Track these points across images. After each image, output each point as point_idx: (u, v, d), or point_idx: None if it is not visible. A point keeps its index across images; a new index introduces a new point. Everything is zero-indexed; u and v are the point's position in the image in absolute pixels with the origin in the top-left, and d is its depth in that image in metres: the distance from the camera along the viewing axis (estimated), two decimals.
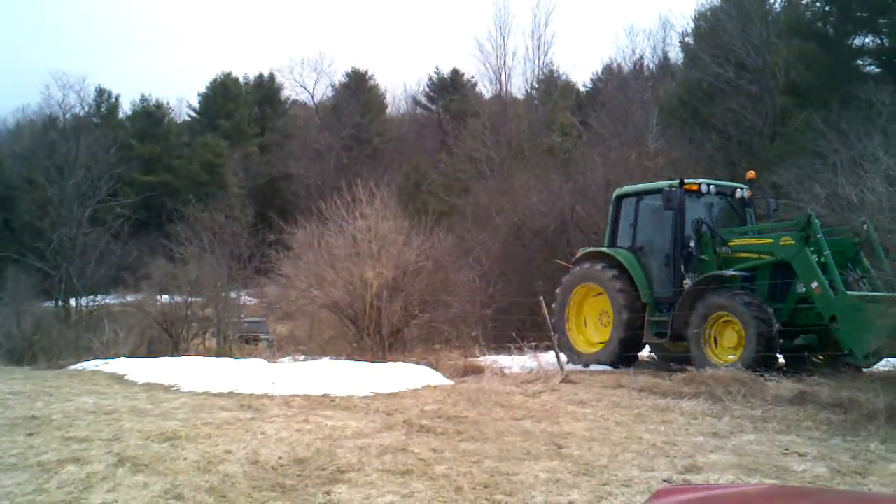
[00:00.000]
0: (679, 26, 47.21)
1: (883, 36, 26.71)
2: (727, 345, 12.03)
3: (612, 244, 14.55)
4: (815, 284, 11.31)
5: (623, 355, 13.61)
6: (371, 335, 14.10)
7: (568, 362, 14.06)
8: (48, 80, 64.34)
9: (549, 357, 13.26)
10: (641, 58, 44.18)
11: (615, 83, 43.19)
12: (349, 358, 13.13)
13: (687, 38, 42.23)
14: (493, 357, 14.36)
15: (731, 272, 12.33)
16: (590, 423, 8.44)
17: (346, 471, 6.47)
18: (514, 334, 14.68)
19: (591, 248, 15.18)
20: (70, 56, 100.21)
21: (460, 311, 16.75)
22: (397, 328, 14.64)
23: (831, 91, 25.00)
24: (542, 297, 13.68)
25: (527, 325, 16.51)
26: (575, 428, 8.16)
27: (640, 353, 14.36)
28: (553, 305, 14.69)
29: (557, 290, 15.01)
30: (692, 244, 13.03)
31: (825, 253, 11.43)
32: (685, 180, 13.41)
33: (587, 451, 7.11)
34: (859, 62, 27.65)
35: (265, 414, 8.87)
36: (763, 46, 30.75)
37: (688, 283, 12.79)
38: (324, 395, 10.03)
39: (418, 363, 12.51)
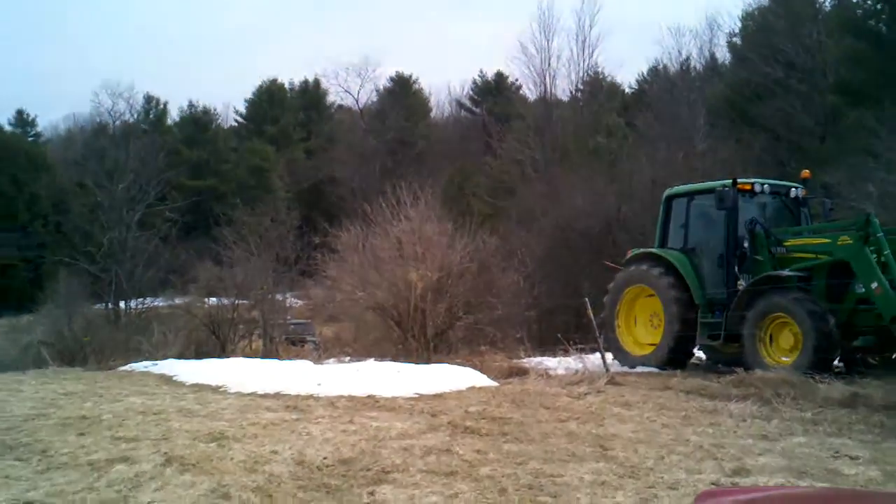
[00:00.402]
0: (726, 26, 46.54)
1: None
2: (783, 346, 11.81)
3: (663, 245, 14.35)
4: (874, 285, 11.05)
5: (674, 357, 13.41)
6: (416, 337, 14.12)
7: (617, 363, 13.98)
8: (98, 88, 65.33)
9: (594, 359, 13.15)
10: (688, 58, 43.73)
11: (661, 84, 42.83)
12: (394, 359, 13.13)
13: (734, 39, 41.78)
14: (538, 359, 14.31)
15: (787, 272, 12.08)
16: (636, 425, 8.35)
17: (391, 471, 6.47)
18: (559, 336, 14.59)
19: (642, 250, 14.95)
20: (119, 64, 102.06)
21: (505, 312, 16.71)
22: (442, 330, 14.64)
23: (883, 89, 24.57)
24: (587, 299, 13.59)
25: (572, 327, 16.46)
26: (620, 430, 8.08)
27: (692, 355, 14.19)
28: (602, 305, 14.60)
29: (607, 292, 14.85)
30: (746, 244, 12.77)
31: (885, 252, 11.15)
32: (738, 180, 13.14)
33: (633, 453, 7.04)
34: None
35: (311, 415, 8.91)
36: (813, 45, 30.38)
37: (742, 283, 12.57)
38: (368, 397, 10.03)
39: (463, 365, 12.47)
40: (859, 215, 12.28)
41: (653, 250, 14.39)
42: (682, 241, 14.02)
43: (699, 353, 14.55)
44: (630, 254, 15.03)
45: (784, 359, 11.63)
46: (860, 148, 20.70)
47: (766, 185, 13.38)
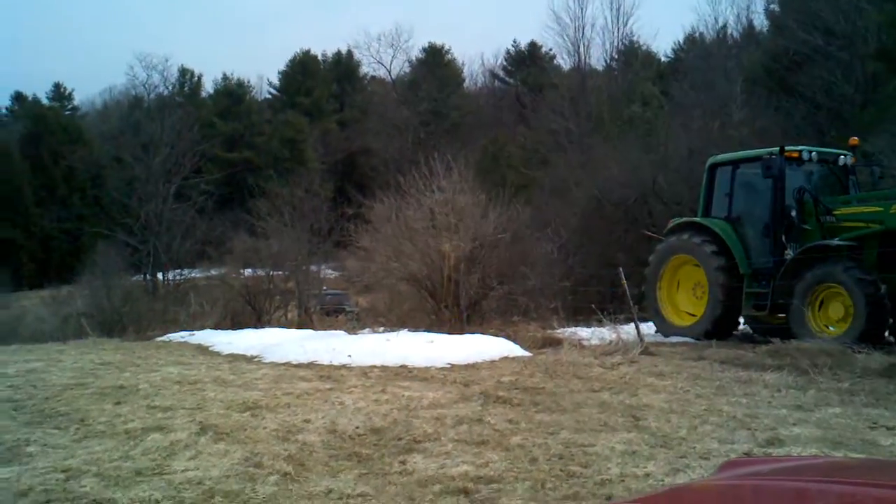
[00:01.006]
0: None
1: None
2: (833, 317, 11.56)
3: (707, 214, 14.08)
4: None
5: (719, 327, 13.22)
6: (449, 307, 14.11)
7: (660, 334, 13.89)
8: (133, 61, 65.59)
9: (629, 329, 13.05)
10: (725, 26, 43.09)
11: (698, 52, 42.24)
12: (427, 330, 13.16)
13: (772, 5, 41.08)
14: (572, 329, 14.23)
15: (837, 241, 11.75)
16: (669, 395, 8.30)
17: (422, 440, 6.50)
18: (593, 306, 14.51)
19: (685, 219, 14.72)
20: (153, 37, 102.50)
21: (538, 283, 16.66)
22: (475, 300, 14.61)
23: None
24: (621, 269, 13.48)
25: (607, 297, 16.35)
26: (653, 400, 8.04)
27: (737, 325, 13.96)
28: (637, 276, 14.48)
29: (647, 262, 14.71)
30: (793, 213, 12.52)
31: None
32: (785, 147, 12.84)
33: (665, 423, 7.00)
34: None
35: (343, 385, 8.96)
36: (853, 11, 29.75)
37: (789, 253, 12.33)
38: (401, 367, 10.08)
39: (496, 335, 12.47)
40: None
41: (696, 219, 14.16)
42: (727, 209, 13.75)
43: (743, 325, 14.24)
44: (672, 223, 14.79)
45: (833, 329, 11.42)
46: None
47: (813, 153, 13.03)
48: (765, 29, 42.19)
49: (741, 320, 13.94)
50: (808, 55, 30.77)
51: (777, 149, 12.78)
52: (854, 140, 13.79)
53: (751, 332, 14.05)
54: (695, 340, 12.96)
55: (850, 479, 2.13)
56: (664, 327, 14.09)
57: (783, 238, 12.58)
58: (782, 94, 30.21)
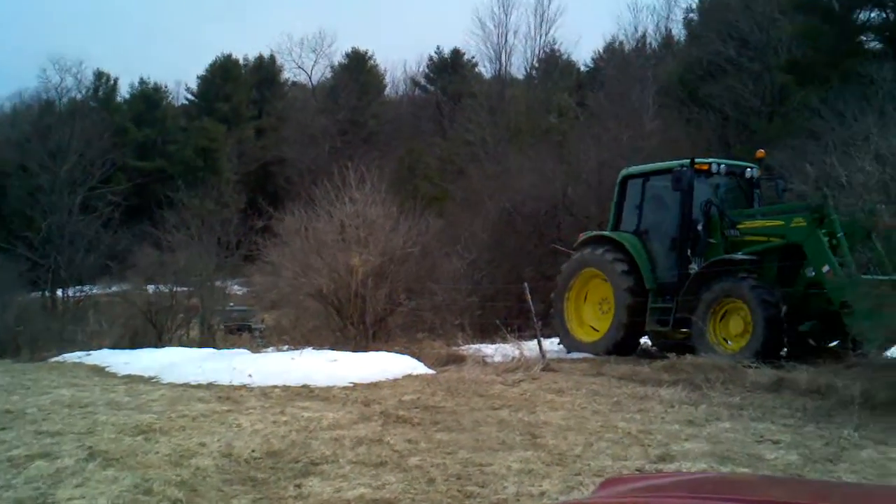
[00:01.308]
0: (684, 2, 46.67)
1: (888, 10, 26.45)
2: (733, 331, 11.66)
3: (616, 227, 13.99)
4: (826, 268, 10.91)
5: (623, 343, 13.15)
6: (355, 324, 14.02)
7: (567, 351, 13.85)
8: (45, 63, 63.69)
9: (532, 345, 13.14)
10: (644, 35, 43.74)
11: (616, 62, 42.82)
12: (332, 347, 13.05)
13: (691, 14, 41.92)
14: (477, 346, 14.20)
15: (739, 256, 11.88)
16: (567, 412, 8.43)
17: (320, 463, 6.49)
18: (498, 322, 14.51)
19: (594, 232, 14.63)
20: (68, 39, 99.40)
21: (446, 298, 16.66)
22: (381, 317, 14.54)
23: (833, 68, 24.84)
24: (526, 284, 13.54)
25: (513, 313, 16.44)
26: (551, 417, 8.16)
27: (640, 342, 13.92)
28: (544, 291, 14.53)
29: (558, 275, 14.58)
30: (700, 227, 12.58)
31: (838, 235, 11.02)
32: (696, 160, 12.88)
33: (562, 441, 7.11)
34: (862, 38, 27.42)
35: (242, 406, 8.86)
36: (767, 22, 30.46)
37: (694, 267, 12.41)
38: (303, 386, 10.00)
39: (401, 352, 12.43)
40: (812, 196, 12.10)
41: (605, 233, 14.08)
42: (636, 223, 13.71)
43: (645, 340, 14.21)
44: (582, 237, 14.66)
45: (732, 343, 11.56)
46: (804, 128, 20.92)
47: (722, 166, 13.12)
48: (683, 39, 43.05)
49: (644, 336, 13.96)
50: (720, 66, 31.47)
51: (688, 161, 12.83)
52: (760, 153, 13.89)
53: (651, 347, 14.10)
54: (596, 356, 12.96)
55: (719, 496, 2.21)
56: (569, 342, 14.04)
57: (689, 252, 12.63)
58: (693, 106, 30.90)
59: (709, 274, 11.95)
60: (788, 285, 11.63)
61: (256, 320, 22.68)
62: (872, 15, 27.47)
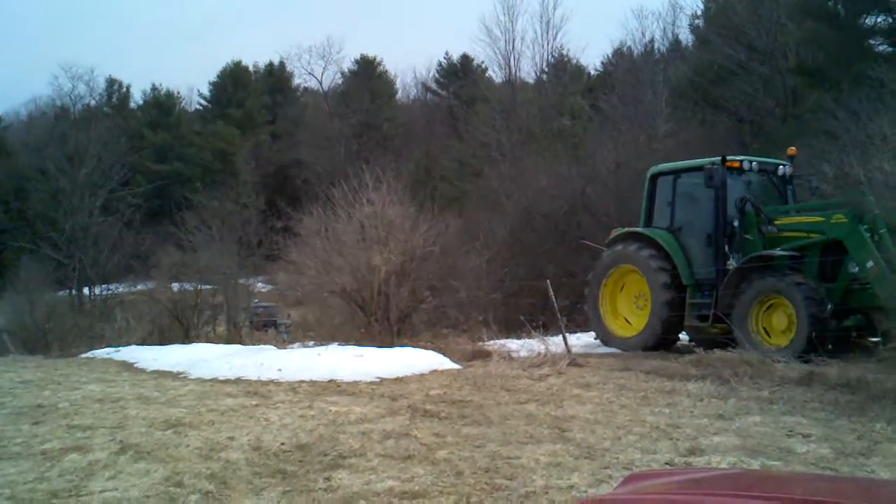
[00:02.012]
0: (689, 8, 46.79)
1: (894, 15, 26.39)
2: (776, 328, 11.53)
3: (648, 224, 13.92)
4: (870, 264, 10.76)
5: (662, 338, 13.10)
6: (379, 321, 14.09)
7: (602, 346, 13.82)
8: (57, 71, 64.05)
9: (557, 341, 13.15)
10: (652, 40, 43.85)
11: (625, 66, 42.88)
12: (357, 343, 13.12)
13: (697, 21, 41.96)
14: (502, 341, 14.24)
15: (779, 252, 11.74)
16: (594, 407, 8.41)
17: (348, 456, 6.49)
18: (522, 318, 14.53)
19: (627, 229, 14.41)
20: (79, 47, 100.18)
21: (468, 295, 16.69)
22: (405, 313, 14.61)
23: (842, 71, 24.75)
24: (549, 281, 13.54)
25: (537, 309, 16.44)
26: (579, 411, 8.14)
27: (678, 337, 13.86)
28: (566, 287, 14.46)
29: (591, 272, 14.50)
30: (736, 223, 12.46)
31: (881, 231, 10.87)
32: (727, 157, 12.76)
33: (590, 435, 7.10)
34: (870, 42, 27.29)
35: (270, 400, 8.90)
36: (774, 27, 30.55)
37: (732, 263, 12.28)
38: (330, 381, 10.05)
39: (426, 348, 12.50)
40: (852, 192, 11.93)
41: (638, 230, 13.96)
42: (669, 220, 13.61)
43: (683, 335, 14.16)
44: (614, 233, 14.53)
45: (777, 340, 11.38)
46: (819, 129, 20.84)
47: (754, 163, 13.00)
48: (690, 44, 43.07)
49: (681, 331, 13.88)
50: (731, 69, 31.49)
51: (719, 158, 12.74)
52: (792, 150, 13.67)
53: (689, 342, 14.03)
54: (634, 350, 12.90)
55: (744, 492, 2.19)
56: (607, 338, 13.95)
57: (726, 248, 12.54)
58: (707, 108, 30.90)
59: (748, 270, 11.87)
60: (831, 281, 11.50)
61: (282, 316, 22.78)
62: (879, 20, 27.33)
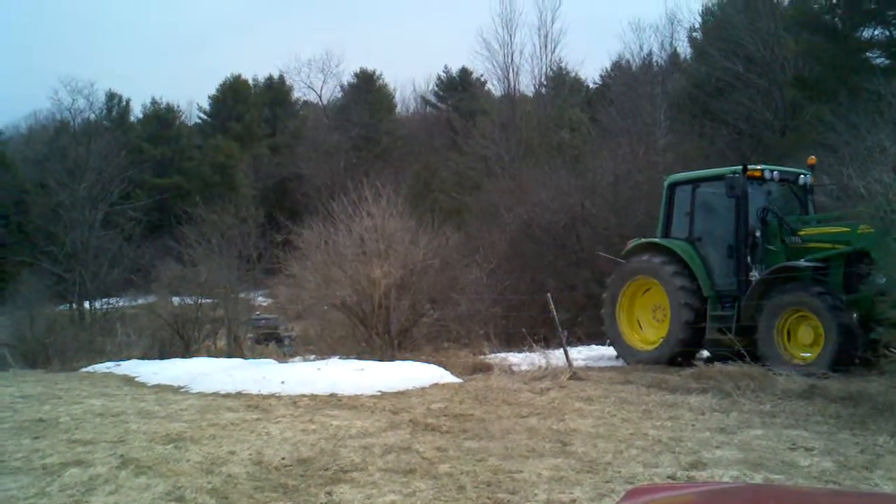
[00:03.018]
0: (686, 21, 47.04)
1: (892, 28, 26.53)
2: (802, 341, 11.26)
3: (666, 235, 13.68)
4: None
5: (682, 351, 12.74)
6: (380, 334, 14.07)
7: (624, 361, 13.54)
8: (57, 85, 64.31)
9: (559, 354, 13.12)
10: (650, 53, 44.00)
11: (624, 79, 43.03)
12: (358, 357, 13.12)
13: (695, 34, 42.13)
14: (503, 355, 14.21)
15: (804, 263, 11.49)
16: (596, 420, 8.40)
17: (349, 470, 6.48)
18: (524, 331, 14.48)
19: (644, 240, 14.09)
20: (79, 61, 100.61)
21: (469, 308, 16.70)
22: (406, 327, 14.61)
23: (840, 84, 24.86)
24: (549, 295, 13.51)
25: (538, 322, 16.42)
26: (581, 425, 8.13)
27: (699, 349, 13.41)
28: (566, 301, 14.38)
29: (607, 284, 14.22)
30: (758, 233, 12.29)
31: None
32: (748, 166, 12.51)
33: (592, 448, 7.08)
34: (868, 54, 27.40)
35: (271, 414, 8.89)
36: (771, 40, 30.71)
37: (755, 275, 12.09)
38: (331, 395, 10.04)
39: (427, 361, 12.49)
40: (871, 205, 11.21)
41: (656, 240, 13.71)
42: (688, 230, 13.39)
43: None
44: (630, 244, 14.26)
45: (804, 354, 11.15)
46: (818, 141, 20.89)
47: (775, 173, 12.75)
48: (688, 57, 43.21)
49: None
50: (729, 82, 31.64)
51: (740, 167, 12.53)
52: (812, 160, 13.44)
53: (704, 357, 13.45)
54: (654, 364, 12.61)
55: None
56: (625, 352, 13.70)
57: (749, 259, 12.35)
58: (705, 120, 30.99)
59: (772, 281, 11.67)
60: (854, 293, 11.24)
61: (285, 329, 22.76)
62: (876, 32, 27.45)
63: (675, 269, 12.96)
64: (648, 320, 13.78)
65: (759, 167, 12.72)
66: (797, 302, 11.27)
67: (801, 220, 12.59)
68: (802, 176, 13.08)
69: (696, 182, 13.57)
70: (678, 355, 12.73)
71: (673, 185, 13.85)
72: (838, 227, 11.80)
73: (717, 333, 12.42)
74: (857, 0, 26.27)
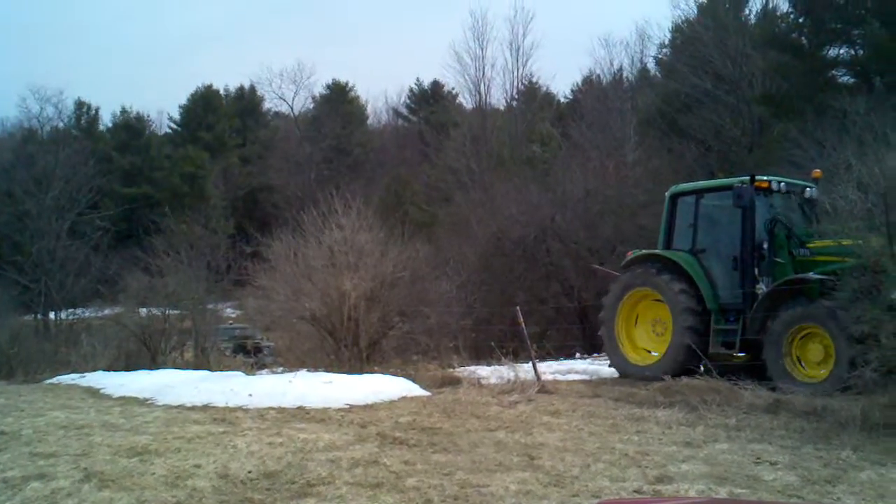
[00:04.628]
0: (656, 37, 47.48)
1: (857, 47, 26.96)
2: (812, 359, 10.99)
3: (668, 246, 13.37)
4: None
5: (684, 366, 11.96)
6: (349, 347, 14.03)
7: (618, 374, 13.27)
8: (25, 93, 63.76)
9: (528, 367, 13.09)
10: (620, 69, 44.37)
11: (594, 94, 43.33)
12: (327, 370, 13.06)
13: (664, 50, 42.53)
14: (472, 368, 14.18)
15: (816, 275, 11.04)
16: (563, 434, 8.43)
17: (316, 484, 6.45)
18: (493, 344, 14.46)
19: (645, 251, 13.79)
20: (48, 69, 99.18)
21: (438, 321, 16.69)
22: (375, 339, 14.57)
23: (806, 101, 25.20)
24: (518, 307, 13.50)
25: (507, 336, 16.45)
26: (548, 438, 8.15)
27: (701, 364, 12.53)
28: (537, 315, 14.36)
29: (605, 297, 13.91)
30: (765, 246, 12.00)
31: None
32: (756, 176, 12.21)
33: (559, 462, 7.10)
34: (834, 73, 27.83)
35: (238, 427, 8.83)
36: (740, 57, 31.13)
37: (761, 288, 11.82)
38: (298, 408, 9.99)
39: (396, 374, 12.48)
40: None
41: (658, 252, 13.37)
42: (691, 242, 13.04)
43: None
44: (630, 256, 13.91)
45: (814, 372, 10.88)
46: (785, 158, 21.15)
47: (782, 184, 12.50)
48: (658, 73, 43.59)
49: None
50: (698, 98, 31.99)
51: (747, 177, 12.24)
52: (817, 173, 12.94)
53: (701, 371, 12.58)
54: (654, 379, 11.89)
55: None
56: (621, 365, 13.32)
57: (756, 271, 12.06)
58: (674, 136, 31.27)
59: (779, 295, 11.38)
60: (865, 307, 10.52)
61: (263, 339, 22.51)
62: (841, 51, 27.89)
63: (677, 281, 12.66)
64: (648, 334, 13.46)
65: (766, 178, 12.48)
66: (806, 316, 10.97)
67: (813, 231, 12.24)
68: (808, 188, 12.81)
69: (699, 192, 13.33)
70: (679, 370, 11.99)
71: (675, 196, 13.57)
72: (850, 239, 11.14)
73: (721, 348, 12.19)
74: (822, 19, 26.64)
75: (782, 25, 30.08)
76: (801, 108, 25.09)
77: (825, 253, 11.48)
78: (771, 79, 29.48)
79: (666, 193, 13.87)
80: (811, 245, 11.83)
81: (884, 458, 7.24)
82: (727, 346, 12.07)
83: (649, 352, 13.27)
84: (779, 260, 11.98)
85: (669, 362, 12.37)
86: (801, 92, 26.38)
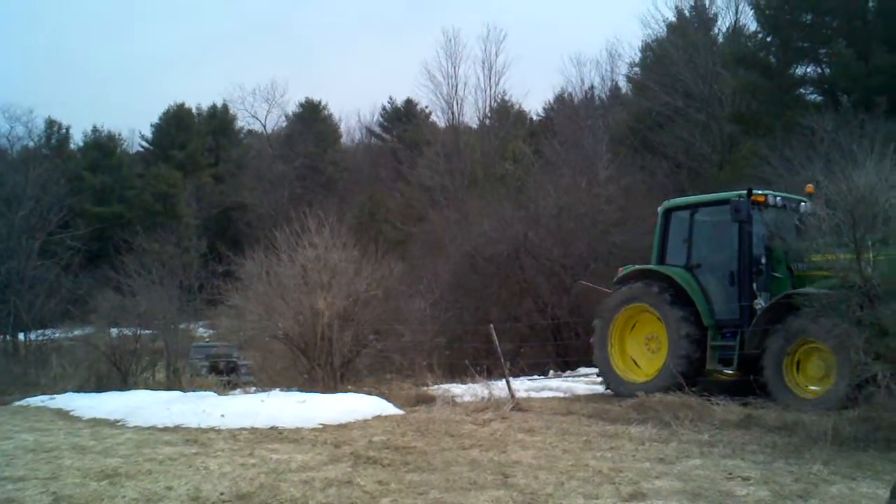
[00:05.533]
0: (627, 56, 48.06)
1: (823, 65, 27.41)
2: (812, 374, 10.88)
3: (661, 262, 13.25)
4: None
5: (679, 383, 11.53)
6: (322, 366, 13.95)
7: (614, 393, 13.03)
8: None
9: (502, 385, 13.09)
10: (592, 87, 44.78)
11: (566, 112, 43.67)
12: (300, 389, 13.01)
13: (635, 69, 42.95)
14: (446, 386, 14.19)
15: (816, 290, 10.72)
16: (537, 451, 8.42)
17: None
18: (466, 362, 14.46)
19: (638, 266, 13.68)
20: (18, 88, 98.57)
21: (412, 339, 16.68)
22: (349, 358, 14.51)
23: (775, 119, 25.59)
24: (492, 325, 13.53)
25: (481, 353, 16.45)
26: (522, 456, 8.13)
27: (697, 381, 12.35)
28: (509, 332, 14.42)
29: (597, 314, 13.81)
30: (763, 260, 11.90)
31: None
32: (753, 190, 12.11)
33: (533, 480, 7.08)
34: (801, 91, 28.27)
35: (210, 448, 8.75)
36: (709, 76, 31.58)
37: (759, 303, 11.68)
38: (272, 428, 9.93)
39: (370, 393, 12.44)
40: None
41: (652, 267, 13.27)
42: (685, 257, 12.93)
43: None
44: (622, 272, 13.75)
45: (813, 388, 10.76)
46: (754, 175, 21.38)
47: (778, 198, 12.47)
48: (629, 90, 43.98)
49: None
50: (669, 116, 32.37)
51: (745, 192, 12.10)
52: (810, 188, 12.85)
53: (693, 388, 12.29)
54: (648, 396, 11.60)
55: None
56: (617, 384, 13.12)
57: (754, 286, 11.91)
58: (646, 153, 31.58)
59: (778, 310, 11.20)
60: (864, 323, 10.27)
61: (240, 357, 22.28)
62: (809, 70, 28.35)
63: (671, 296, 12.53)
64: (641, 350, 13.30)
65: (763, 192, 12.42)
66: (808, 333, 10.75)
67: (811, 246, 11.61)
68: (803, 203, 12.60)
69: (694, 207, 13.26)
70: (674, 386, 11.57)
71: (669, 211, 13.47)
72: (848, 255, 10.80)
73: (719, 364, 12.09)
74: (790, 38, 27.05)
75: (750, 44, 30.50)
76: (769, 125, 25.47)
77: (824, 268, 11.17)
78: (740, 97, 29.87)
79: (659, 208, 13.80)
80: (810, 260, 11.52)
81: (854, 472, 7.28)
82: (724, 363, 11.97)
83: (642, 368, 13.15)
84: (777, 275, 11.91)
85: (664, 378, 12.13)
86: (769, 110, 26.77)
